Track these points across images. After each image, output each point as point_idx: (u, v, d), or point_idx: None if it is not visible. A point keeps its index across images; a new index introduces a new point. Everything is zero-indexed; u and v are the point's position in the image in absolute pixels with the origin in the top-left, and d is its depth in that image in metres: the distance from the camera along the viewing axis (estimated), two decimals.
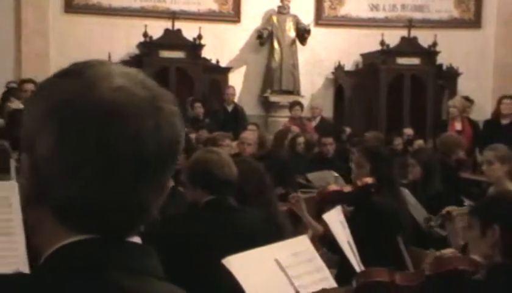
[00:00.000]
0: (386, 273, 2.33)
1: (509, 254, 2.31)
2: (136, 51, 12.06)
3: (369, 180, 3.85)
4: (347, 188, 3.96)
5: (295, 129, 10.13)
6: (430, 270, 2.35)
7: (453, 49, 12.14)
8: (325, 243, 3.63)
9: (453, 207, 4.09)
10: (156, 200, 1.01)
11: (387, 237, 3.81)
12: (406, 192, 5.07)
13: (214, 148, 3.75)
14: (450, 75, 12.35)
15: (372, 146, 4.93)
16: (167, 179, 1.01)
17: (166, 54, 11.84)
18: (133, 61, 11.95)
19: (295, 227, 3.99)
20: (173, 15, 12.00)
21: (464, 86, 12.14)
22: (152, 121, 0.95)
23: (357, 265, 3.12)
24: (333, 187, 4.03)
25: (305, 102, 11.72)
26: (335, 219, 3.34)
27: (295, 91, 12.46)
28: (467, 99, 10.64)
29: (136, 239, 1.02)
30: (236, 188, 3.14)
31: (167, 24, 11.91)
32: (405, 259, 3.28)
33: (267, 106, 12.54)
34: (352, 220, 3.66)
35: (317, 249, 3.40)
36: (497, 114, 9.50)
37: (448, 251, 3.29)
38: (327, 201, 3.79)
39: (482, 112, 10.66)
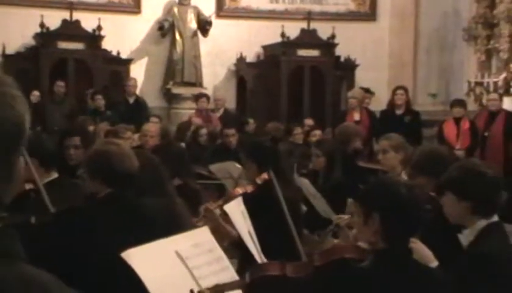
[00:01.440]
0: (277, 266, 2.38)
1: (390, 241, 2.41)
2: (33, 42, 11.69)
3: (265, 176, 3.89)
4: (250, 188, 3.99)
5: (197, 121, 10.15)
6: (319, 260, 2.42)
7: (351, 41, 12.47)
8: (238, 245, 3.63)
9: (340, 216, 4.19)
10: (3, 183, 1.01)
11: (284, 228, 3.88)
12: (305, 182, 5.20)
13: (115, 140, 3.69)
14: (348, 67, 12.68)
15: (250, 145, 4.95)
16: (14, 162, 1.02)
17: (64, 45, 11.55)
18: (30, 52, 11.60)
19: (195, 217, 4.00)
20: (71, 5, 11.71)
21: (361, 77, 12.50)
22: None
23: (258, 255, 3.17)
24: (238, 191, 4.05)
25: (208, 93, 11.71)
26: (236, 209, 3.39)
27: (197, 82, 12.45)
28: (367, 90, 10.95)
29: None
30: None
31: (65, 15, 11.61)
32: (299, 248, 3.36)
33: (170, 98, 12.47)
34: (254, 215, 3.71)
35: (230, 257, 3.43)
36: (391, 104, 9.84)
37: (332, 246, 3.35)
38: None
39: (378, 102, 11.02)
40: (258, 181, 3.84)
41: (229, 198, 3.82)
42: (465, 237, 2.94)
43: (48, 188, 3.60)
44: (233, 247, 3.64)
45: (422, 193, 2.89)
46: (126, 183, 3.05)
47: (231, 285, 2.30)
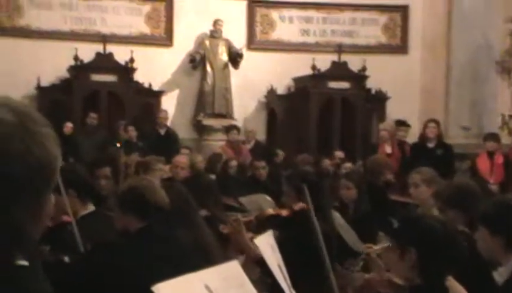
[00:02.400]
0: None
1: (427, 276, 2.37)
2: (67, 75, 11.89)
3: (303, 205, 3.89)
4: (284, 212, 3.98)
5: (228, 152, 10.19)
6: None
7: (381, 73, 12.45)
8: (262, 266, 3.64)
9: (370, 245, 4.16)
10: (34, 221, 1.02)
11: (318, 262, 3.85)
12: (336, 215, 5.15)
13: (147, 177, 3.74)
14: (379, 99, 12.65)
15: (295, 173, 4.96)
16: (44, 201, 1.03)
17: (97, 77, 11.73)
18: (64, 84, 11.80)
19: (224, 251, 3.99)
20: (104, 38, 11.90)
21: (392, 110, 12.46)
22: (20, 144, 0.99)
23: (287, 289, 3.14)
24: (271, 211, 4.05)
25: (238, 125, 11.77)
26: (266, 243, 3.36)
27: (228, 114, 12.51)
28: (403, 123, 10.88)
29: (23, 263, 1.03)
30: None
31: (99, 48, 11.81)
32: (332, 284, 3.32)
33: (200, 129, 12.54)
34: (286, 244, 3.68)
35: (251, 272, 3.41)
36: (423, 137, 9.76)
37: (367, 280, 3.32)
38: (265, 224, 3.80)
39: (410, 135, 10.95)
40: (295, 207, 3.83)
41: (261, 216, 3.81)
42: (500, 275, 2.89)
43: (85, 221, 3.62)
44: (255, 262, 3.60)
45: (454, 227, 2.85)
46: (158, 217, 3.07)
47: None
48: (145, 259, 2.94)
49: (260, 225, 3.86)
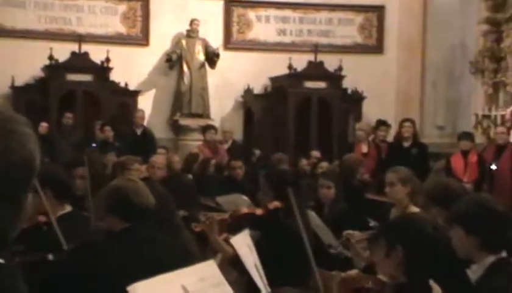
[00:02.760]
0: None
1: (412, 275, 2.40)
2: (42, 74, 11.79)
3: (277, 203, 3.90)
4: (259, 211, 3.99)
5: (205, 152, 10.16)
6: (338, 290, 2.43)
7: (358, 73, 12.53)
8: (236, 266, 3.65)
9: (352, 231, 4.19)
10: (13, 220, 1.03)
11: (296, 259, 3.86)
12: (313, 215, 5.17)
13: (131, 177, 3.72)
14: (355, 99, 12.72)
15: (274, 172, 4.99)
16: (24, 198, 1.04)
17: (72, 77, 11.65)
18: (39, 84, 11.70)
19: (202, 251, 4.00)
20: (80, 37, 11.82)
21: (368, 109, 12.53)
22: (1, 142, 0.99)
23: (264, 288, 3.15)
24: (245, 210, 4.05)
25: (215, 125, 11.75)
26: (242, 243, 3.37)
27: (205, 114, 12.50)
28: (384, 123, 10.93)
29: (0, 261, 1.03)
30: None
31: (74, 47, 11.72)
32: (317, 281, 3.34)
33: (177, 129, 12.52)
34: (260, 243, 3.69)
35: (227, 272, 3.41)
36: (398, 137, 9.83)
37: (353, 272, 3.37)
38: (239, 223, 3.81)
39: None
40: (270, 206, 3.84)
41: (235, 214, 3.82)
42: (474, 273, 2.92)
43: (62, 222, 3.60)
44: (229, 263, 3.61)
45: (436, 226, 2.88)
46: (143, 218, 3.07)
47: None
48: (129, 260, 2.93)
49: (235, 224, 3.87)
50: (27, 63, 11.62)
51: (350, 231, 4.17)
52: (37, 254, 3.12)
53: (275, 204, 3.87)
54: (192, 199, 4.80)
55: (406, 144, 9.51)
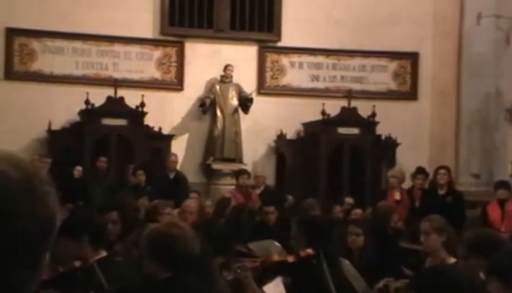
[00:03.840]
0: None
1: None
2: (77, 118, 11.98)
3: (309, 251, 3.87)
4: (290, 258, 3.97)
5: (238, 197, 10.16)
6: None
7: (391, 119, 12.48)
8: None
9: (390, 279, 4.14)
10: (33, 278, 1.03)
11: None
12: (346, 263, 5.12)
13: (178, 222, 3.68)
14: (389, 146, 12.64)
15: (306, 217, 4.97)
16: (43, 257, 1.05)
17: (107, 121, 11.78)
18: (74, 128, 11.87)
19: None
20: (115, 83, 12.02)
21: (402, 156, 12.44)
22: (25, 202, 1.01)
23: None
24: (276, 257, 4.03)
25: (248, 169, 11.75)
26: (275, 291, 3.35)
27: (237, 159, 12.51)
28: (423, 171, 10.79)
29: None
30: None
31: (110, 92, 11.91)
32: None
33: (209, 174, 12.54)
34: (292, 290, 3.66)
35: None
36: (433, 184, 9.72)
37: None
38: (270, 270, 3.78)
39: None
40: (302, 254, 3.81)
41: (266, 262, 3.79)
42: None
43: (98, 267, 3.60)
44: None
45: (474, 275, 2.82)
46: (186, 267, 3.02)
47: None
48: None
49: (266, 271, 3.84)
50: (64, 107, 11.84)
51: (388, 279, 4.10)
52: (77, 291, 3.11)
53: (308, 251, 3.84)
54: (228, 245, 4.75)
55: (441, 192, 9.39)
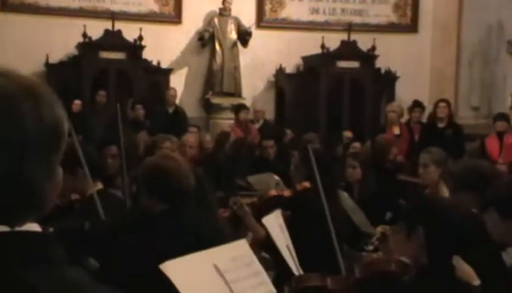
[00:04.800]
0: (317, 278, 2.39)
1: (433, 255, 2.39)
2: (75, 52, 11.88)
3: (307, 184, 3.88)
4: (287, 193, 3.98)
5: (237, 132, 10.17)
6: (360, 273, 2.42)
7: (391, 53, 12.38)
8: (265, 247, 3.65)
9: (385, 226, 4.13)
10: (47, 183, 1.04)
11: (324, 241, 3.85)
12: (344, 195, 5.15)
13: (173, 155, 3.68)
14: (388, 79, 12.58)
15: (311, 149, 4.97)
16: (56, 163, 1.06)
17: (105, 54, 11.69)
18: (72, 62, 11.78)
19: (235, 233, 3.99)
20: (113, 15, 11.86)
21: (401, 90, 12.39)
22: (30, 103, 1.02)
23: (295, 268, 3.15)
24: (273, 192, 4.04)
25: (247, 104, 11.74)
26: (274, 223, 3.37)
27: (236, 93, 12.48)
28: (419, 105, 10.80)
29: (35, 226, 1.04)
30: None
31: (107, 25, 11.77)
32: (339, 263, 3.33)
33: (209, 108, 12.52)
34: (290, 224, 3.69)
35: (256, 252, 3.41)
36: (433, 118, 9.70)
37: (374, 259, 3.33)
38: (268, 205, 3.81)
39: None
40: (298, 187, 3.83)
41: (263, 197, 3.81)
42: (509, 255, 2.88)
43: (95, 198, 3.62)
44: (258, 244, 3.59)
45: (464, 208, 2.86)
46: (182, 201, 3.04)
47: None
48: (167, 243, 2.92)
49: (263, 206, 3.85)
50: (61, 40, 11.71)
51: (382, 227, 4.10)
52: (73, 222, 3.13)
53: (304, 185, 3.85)
54: (227, 180, 4.77)
55: (440, 125, 9.38)
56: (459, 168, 4.00)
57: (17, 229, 1.02)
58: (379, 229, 4.13)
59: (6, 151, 1.00)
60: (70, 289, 1.00)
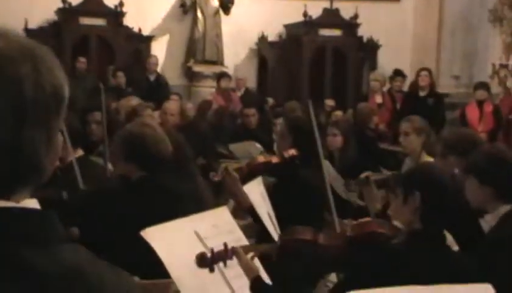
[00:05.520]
0: (309, 232, 2.42)
1: (427, 221, 2.43)
2: (55, 18, 11.71)
3: (293, 151, 3.88)
4: (275, 159, 3.99)
5: (218, 100, 10.15)
6: (352, 231, 2.47)
7: (374, 21, 12.34)
8: (252, 213, 3.66)
9: (370, 173, 4.17)
10: (46, 151, 1.00)
11: (310, 211, 3.87)
12: (326, 163, 5.18)
13: (150, 121, 3.67)
14: (371, 48, 12.57)
15: (294, 117, 4.97)
16: (55, 126, 1.02)
17: (86, 21, 11.55)
18: (52, 28, 11.63)
19: (216, 199, 4.00)
20: None
21: (383, 59, 12.39)
22: (29, 66, 0.98)
23: (276, 235, 3.17)
24: (261, 158, 4.04)
25: (229, 72, 11.69)
26: (255, 190, 3.38)
27: (218, 61, 12.42)
28: (400, 73, 10.83)
29: (33, 202, 1.01)
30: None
31: None
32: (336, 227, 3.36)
33: (190, 76, 12.46)
34: (275, 192, 3.70)
35: (242, 218, 3.43)
36: (414, 86, 9.74)
37: (366, 220, 3.38)
38: (255, 172, 3.81)
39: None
40: (285, 155, 3.84)
41: (251, 164, 3.82)
42: (487, 222, 2.93)
43: (76, 165, 3.61)
44: (245, 213, 3.61)
45: (448, 171, 2.91)
46: (159, 167, 3.03)
47: (263, 248, 2.30)
48: (145, 210, 2.92)
49: (251, 172, 3.86)
50: (40, 5, 11.52)
51: (368, 172, 4.14)
52: (51, 191, 3.12)
53: (291, 152, 3.86)
54: (209, 147, 4.77)
55: (422, 93, 9.42)
56: (451, 134, 4.07)
57: (15, 205, 0.98)
58: (363, 174, 4.15)
59: (3, 118, 0.96)
60: (69, 268, 0.97)
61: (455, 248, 2.82)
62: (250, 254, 2.36)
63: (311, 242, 2.42)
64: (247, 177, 3.72)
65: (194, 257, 2.23)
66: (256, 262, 2.38)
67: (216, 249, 2.18)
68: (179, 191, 3.15)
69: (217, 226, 2.47)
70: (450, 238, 2.73)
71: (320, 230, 3.35)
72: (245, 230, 2.72)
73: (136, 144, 3.04)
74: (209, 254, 2.13)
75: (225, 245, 2.18)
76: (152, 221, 2.36)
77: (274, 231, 3.21)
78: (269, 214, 3.27)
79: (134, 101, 7.34)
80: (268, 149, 7.10)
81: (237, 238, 2.50)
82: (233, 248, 2.21)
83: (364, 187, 4.03)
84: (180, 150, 3.50)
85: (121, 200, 3.03)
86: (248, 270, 2.24)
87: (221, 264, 2.23)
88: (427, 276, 2.15)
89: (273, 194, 3.57)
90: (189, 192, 3.25)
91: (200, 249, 2.29)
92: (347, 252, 2.47)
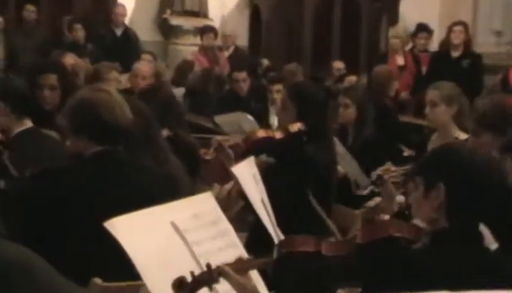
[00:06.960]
0: (311, 242, 2.37)
1: (456, 218, 2.36)
2: None
3: (300, 125, 3.89)
4: (278, 134, 3.99)
5: (202, 61, 10.16)
6: (362, 238, 2.39)
7: None
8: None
9: (385, 167, 4.15)
10: None
11: (316, 196, 3.88)
12: (335, 142, 5.19)
13: (103, 86, 3.66)
14: None
15: (300, 84, 4.96)
16: None
17: None
18: None
19: (193, 179, 4.00)
20: None
21: (406, 10, 12.35)
22: None
23: (272, 227, 3.16)
24: (262, 133, 4.05)
25: (215, 27, 11.67)
26: (247, 172, 3.36)
27: (201, 12, 12.44)
28: (425, 28, 10.81)
29: None
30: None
31: None
32: (330, 225, 3.36)
33: (167, 31, 12.48)
34: (273, 173, 3.70)
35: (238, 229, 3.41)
36: (446, 45, 9.73)
37: (376, 201, 3.36)
38: (255, 149, 3.81)
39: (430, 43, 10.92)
40: (291, 129, 3.84)
41: (249, 139, 3.83)
42: None
43: (20, 140, 3.60)
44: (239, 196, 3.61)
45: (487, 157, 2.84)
46: (117, 139, 3.05)
47: (257, 262, 2.28)
48: (103, 189, 2.93)
49: (250, 150, 3.86)
50: None
51: (382, 167, 4.13)
52: None
53: (298, 125, 3.86)
54: (176, 115, 4.71)
55: (455, 54, 9.41)
56: (486, 105, 4.04)
57: None
58: (377, 171, 4.15)
59: None
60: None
61: (494, 246, 2.82)
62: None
63: (312, 254, 2.37)
64: (244, 156, 3.71)
65: (170, 254, 2.23)
66: (253, 273, 2.35)
67: (196, 272, 2.15)
68: (145, 168, 3.15)
69: (199, 217, 2.46)
70: (487, 234, 2.72)
71: (326, 230, 3.36)
72: (234, 222, 2.71)
73: (85, 113, 3.04)
74: (189, 279, 2.11)
75: (208, 266, 2.15)
76: (112, 204, 2.35)
77: (269, 222, 3.20)
78: (263, 201, 3.26)
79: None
80: (261, 121, 7.11)
81: (223, 230, 2.49)
82: (218, 268, 2.17)
83: (379, 186, 4.01)
84: (147, 122, 3.49)
85: (71, 179, 3.02)
86: (242, 290, 2.21)
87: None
88: (459, 288, 2.08)
89: (269, 177, 3.56)
90: (158, 170, 3.24)
91: (178, 244, 2.28)
92: (357, 265, 2.42)
